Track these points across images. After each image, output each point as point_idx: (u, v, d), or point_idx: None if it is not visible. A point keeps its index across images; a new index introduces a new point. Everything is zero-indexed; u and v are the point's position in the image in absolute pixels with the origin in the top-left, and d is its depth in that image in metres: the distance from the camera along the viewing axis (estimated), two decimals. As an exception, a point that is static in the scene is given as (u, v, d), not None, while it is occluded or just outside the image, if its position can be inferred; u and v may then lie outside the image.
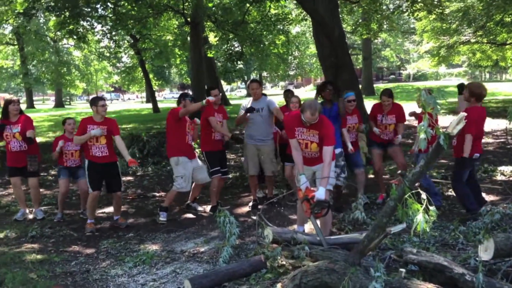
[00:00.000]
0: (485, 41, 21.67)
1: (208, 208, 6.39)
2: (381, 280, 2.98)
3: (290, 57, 32.66)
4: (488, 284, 2.99)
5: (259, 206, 6.06)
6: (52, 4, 12.24)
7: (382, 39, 38.59)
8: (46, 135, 16.09)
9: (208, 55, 19.86)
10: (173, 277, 4.06)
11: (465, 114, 2.94)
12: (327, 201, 4.26)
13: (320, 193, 4.15)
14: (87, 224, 5.69)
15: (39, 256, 4.77)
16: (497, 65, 32.11)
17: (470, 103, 5.31)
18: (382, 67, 55.80)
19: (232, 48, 19.43)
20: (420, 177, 3.23)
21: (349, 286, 3.02)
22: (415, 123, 9.09)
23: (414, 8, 13.88)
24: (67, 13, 12.38)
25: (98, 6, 13.58)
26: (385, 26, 18.24)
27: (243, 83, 46.68)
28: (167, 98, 52.89)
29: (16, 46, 33.52)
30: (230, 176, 7.97)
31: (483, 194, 5.76)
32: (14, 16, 15.67)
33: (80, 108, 37.39)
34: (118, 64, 33.16)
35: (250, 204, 6.41)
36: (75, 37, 14.06)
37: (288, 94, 6.78)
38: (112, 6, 13.76)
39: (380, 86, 34.14)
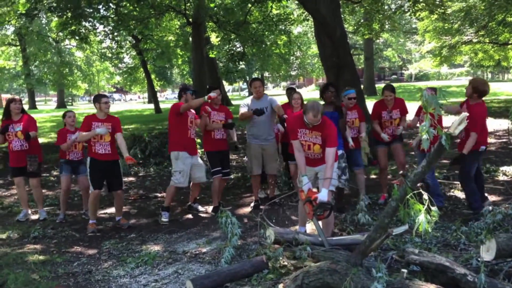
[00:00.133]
0: (487, 41, 21.61)
1: (210, 208, 6.40)
2: (383, 280, 2.98)
3: (292, 57, 32.71)
4: (490, 285, 2.99)
5: (261, 207, 6.05)
6: (54, 5, 12.26)
7: (384, 39, 38.61)
8: (48, 135, 16.11)
9: (210, 55, 19.87)
10: (175, 278, 4.07)
11: (467, 114, 2.94)
12: (330, 203, 4.26)
13: (323, 195, 4.15)
14: (89, 224, 5.71)
15: (41, 257, 4.78)
16: (499, 65, 32.06)
17: (471, 99, 5.28)
18: (384, 67, 55.78)
19: (234, 48, 19.45)
20: (422, 177, 3.23)
21: (351, 286, 3.02)
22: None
23: (416, 8, 13.85)
24: (69, 14, 12.41)
25: (100, 6, 13.61)
26: (387, 26, 18.21)
27: (245, 83, 46.68)
28: (169, 99, 52.88)
29: (18, 47, 33.63)
30: (231, 176, 7.97)
31: (485, 194, 5.75)
32: (16, 17, 15.72)
33: (82, 108, 37.38)
34: (120, 65, 33.26)
35: (252, 204, 6.41)
36: (77, 37, 14.09)
37: (291, 91, 6.82)
38: (114, 7, 13.79)
39: (382, 86, 34.04)
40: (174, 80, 43.62)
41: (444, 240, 4.37)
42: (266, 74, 41.97)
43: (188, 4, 16.27)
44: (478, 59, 27.06)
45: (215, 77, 22.36)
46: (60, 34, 18.76)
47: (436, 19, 18.69)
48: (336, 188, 5.24)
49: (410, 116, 6.29)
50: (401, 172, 5.73)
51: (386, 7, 17.25)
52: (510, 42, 21.76)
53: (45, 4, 12.40)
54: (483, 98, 5.33)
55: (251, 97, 6.43)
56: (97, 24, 16.12)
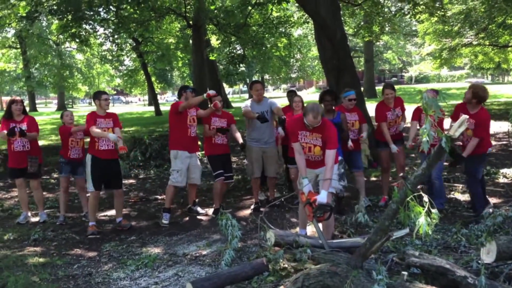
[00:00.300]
0: (487, 43, 21.62)
1: (210, 211, 6.40)
2: (383, 283, 2.97)
3: (292, 59, 32.69)
4: (491, 287, 2.98)
5: (261, 209, 6.05)
6: (55, 7, 12.31)
7: (384, 41, 38.54)
8: (49, 138, 16.14)
9: (210, 58, 19.89)
10: (175, 280, 4.06)
11: (467, 117, 2.94)
12: (329, 204, 4.26)
13: (322, 197, 4.15)
14: (89, 226, 5.70)
15: (41, 259, 4.78)
16: (499, 67, 32.07)
17: (470, 104, 5.29)
18: (384, 70, 55.74)
19: (234, 51, 19.43)
20: (422, 179, 3.23)
21: (351, 289, 3.02)
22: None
23: (416, 10, 13.86)
24: (70, 17, 12.46)
25: (101, 9, 13.66)
26: (387, 29, 18.21)
27: (245, 86, 46.70)
28: (169, 101, 52.92)
29: (19, 50, 33.66)
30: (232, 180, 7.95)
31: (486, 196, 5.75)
32: (17, 20, 15.77)
33: (82, 111, 37.36)
34: (120, 67, 33.27)
35: (252, 207, 6.41)
36: (77, 40, 14.16)
37: (292, 94, 6.83)
38: (115, 10, 13.83)
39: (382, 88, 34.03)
40: (174, 82, 43.64)
41: (444, 243, 4.37)
42: (267, 76, 41.98)
43: (189, 7, 16.32)
44: (478, 61, 27.09)
45: (216, 79, 22.38)
46: (61, 36, 18.82)
47: (436, 21, 18.69)
48: (334, 195, 5.22)
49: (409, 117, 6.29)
50: (401, 174, 5.73)
51: (386, 9, 17.27)
52: (510, 45, 21.79)
53: (46, 6, 12.44)
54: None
55: (251, 100, 6.43)
56: (98, 27, 16.15)
